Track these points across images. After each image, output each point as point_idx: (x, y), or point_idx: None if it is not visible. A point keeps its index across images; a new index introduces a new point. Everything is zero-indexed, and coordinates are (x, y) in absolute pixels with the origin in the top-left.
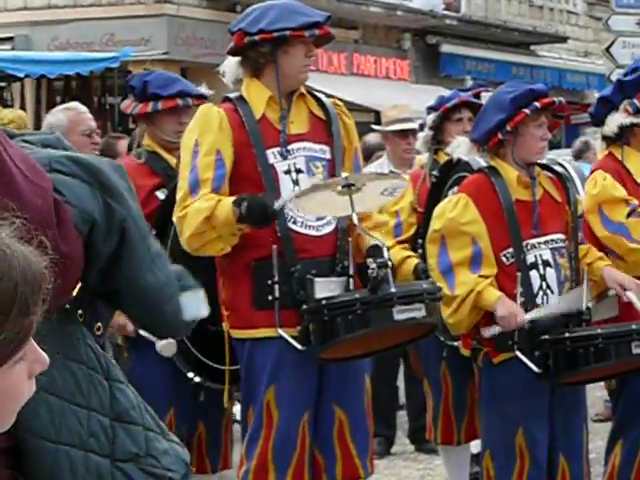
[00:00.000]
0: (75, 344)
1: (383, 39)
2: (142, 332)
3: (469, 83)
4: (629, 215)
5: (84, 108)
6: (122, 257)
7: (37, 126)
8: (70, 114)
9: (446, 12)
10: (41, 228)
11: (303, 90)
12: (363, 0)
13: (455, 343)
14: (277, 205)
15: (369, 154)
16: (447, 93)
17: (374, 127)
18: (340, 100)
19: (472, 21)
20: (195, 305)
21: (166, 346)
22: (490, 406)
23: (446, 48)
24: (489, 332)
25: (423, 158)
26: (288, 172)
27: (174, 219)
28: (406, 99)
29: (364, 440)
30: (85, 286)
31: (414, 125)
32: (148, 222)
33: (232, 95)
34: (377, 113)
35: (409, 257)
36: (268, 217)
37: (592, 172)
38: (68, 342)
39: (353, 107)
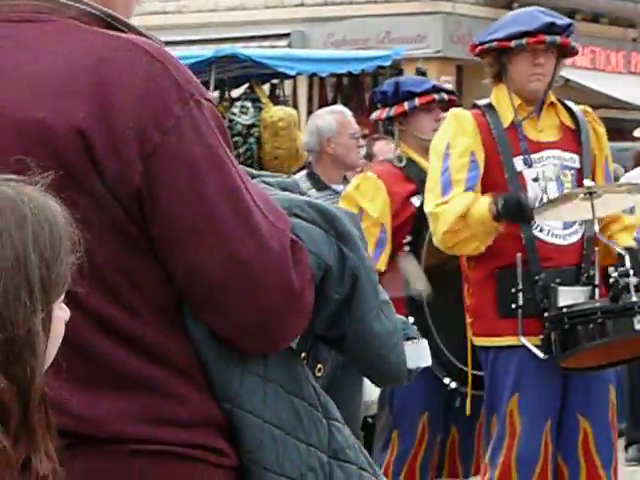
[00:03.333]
0: (299, 381)
1: None
2: None
3: None
4: None
5: (349, 112)
6: (352, 304)
7: None
8: (338, 117)
9: None
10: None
11: (553, 99)
12: None
13: None
14: (532, 201)
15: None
16: None
17: (636, 133)
18: (616, 99)
19: None
20: (417, 354)
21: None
22: None
23: None
24: None
25: None
26: (536, 180)
27: (427, 215)
28: None
29: (609, 451)
30: (310, 330)
31: None
32: (403, 229)
33: (480, 102)
34: None
35: None
36: (525, 213)
37: None
38: (293, 379)
39: (630, 106)
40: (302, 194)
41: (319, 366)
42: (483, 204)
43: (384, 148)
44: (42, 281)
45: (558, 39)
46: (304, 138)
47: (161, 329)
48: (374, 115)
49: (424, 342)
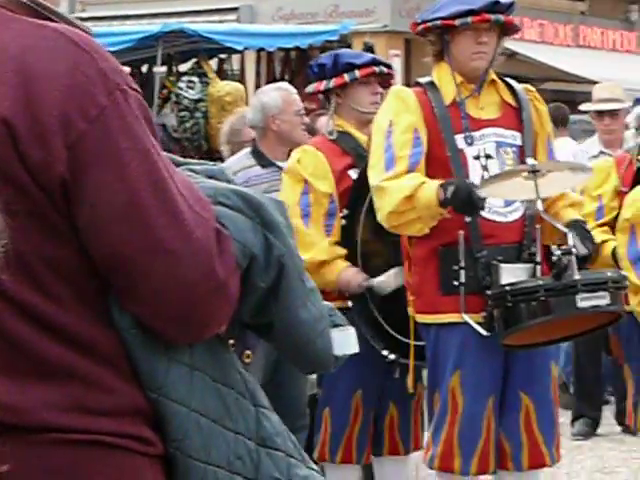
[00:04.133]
0: (226, 369)
1: (610, 10)
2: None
3: None
4: None
5: (294, 89)
6: (279, 292)
7: None
8: (284, 94)
9: None
10: (199, 259)
11: (494, 76)
12: None
13: None
14: (482, 192)
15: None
16: None
17: (581, 107)
18: (565, 72)
19: None
20: (345, 341)
21: (389, 278)
22: None
23: None
24: None
25: (628, 137)
26: (477, 157)
27: (372, 190)
28: (632, 71)
29: (551, 427)
30: (238, 318)
31: (612, 106)
32: (340, 202)
33: (422, 80)
34: None
35: (608, 240)
36: (474, 204)
37: None
38: (220, 367)
39: (578, 79)
40: (228, 182)
41: (247, 352)
42: (431, 188)
43: (324, 122)
44: None
45: (502, 18)
46: (248, 115)
47: (86, 318)
48: (310, 88)
49: (351, 329)
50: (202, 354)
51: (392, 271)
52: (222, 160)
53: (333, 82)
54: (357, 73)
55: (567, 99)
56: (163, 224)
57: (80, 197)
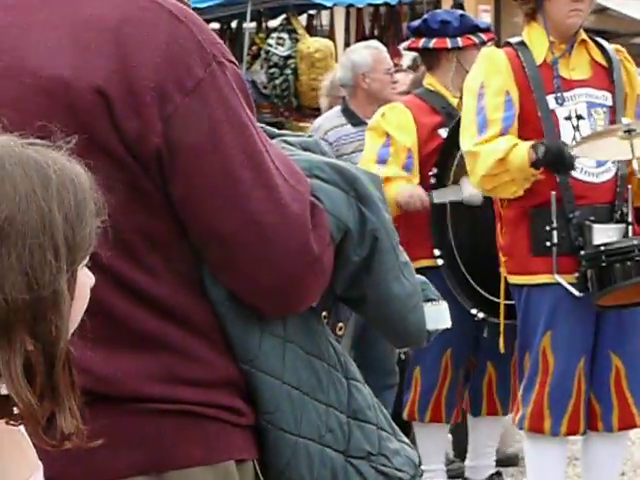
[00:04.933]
0: (319, 342)
1: None
2: None
3: None
4: None
5: (384, 47)
6: (372, 265)
7: None
8: (374, 52)
9: None
10: (294, 233)
11: (585, 36)
12: None
13: None
14: (575, 152)
15: None
16: None
17: None
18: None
19: None
20: (437, 316)
21: (472, 191)
22: None
23: None
24: None
25: None
26: (569, 118)
27: (464, 154)
28: None
29: None
30: (331, 290)
31: None
32: (429, 161)
33: (513, 40)
34: None
35: None
36: (565, 162)
37: None
38: (312, 340)
39: None
40: (323, 154)
41: (340, 324)
42: (522, 150)
43: (403, 80)
44: (67, 242)
45: None
46: (338, 73)
47: (180, 290)
48: (431, 43)
49: (444, 303)
50: (295, 326)
51: (464, 183)
52: (313, 117)
53: (462, 41)
54: (460, 42)
55: None
56: (258, 197)
57: (176, 169)
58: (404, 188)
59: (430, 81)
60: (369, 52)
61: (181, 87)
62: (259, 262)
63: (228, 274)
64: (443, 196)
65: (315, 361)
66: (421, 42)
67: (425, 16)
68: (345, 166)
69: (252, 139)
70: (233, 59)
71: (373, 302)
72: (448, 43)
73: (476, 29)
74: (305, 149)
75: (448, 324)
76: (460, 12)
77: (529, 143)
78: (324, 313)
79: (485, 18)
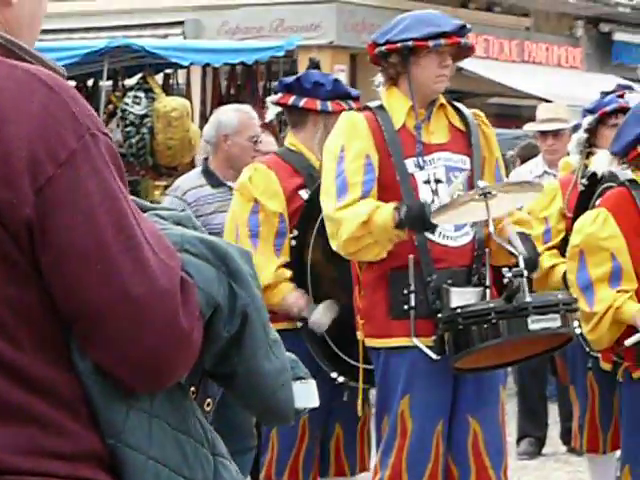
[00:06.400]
0: (186, 418)
1: (555, 26)
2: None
3: None
4: None
5: (255, 114)
6: (241, 342)
7: (203, 112)
8: (241, 116)
9: (620, 0)
10: (164, 308)
11: (443, 101)
12: None
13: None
14: (434, 221)
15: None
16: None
17: (525, 127)
18: (510, 88)
19: None
20: (306, 394)
21: (321, 318)
22: (630, 422)
23: (619, 36)
24: (630, 340)
25: (573, 162)
26: (428, 182)
27: (325, 218)
28: (577, 87)
29: (498, 451)
30: (200, 365)
31: (556, 126)
32: (290, 222)
33: (372, 104)
34: (547, 102)
35: (557, 264)
36: (428, 220)
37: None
38: (180, 415)
39: (523, 95)
40: (195, 228)
41: (208, 400)
42: (386, 211)
43: (265, 139)
44: None
45: (470, 42)
46: (205, 128)
47: (46, 362)
48: (276, 98)
49: (313, 382)
50: (162, 402)
51: (321, 307)
52: (169, 175)
53: (331, 105)
54: (329, 106)
55: (513, 114)
56: (128, 271)
57: (46, 240)
58: (286, 299)
59: (292, 141)
60: (237, 115)
61: (54, 158)
62: (127, 336)
63: (96, 347)
64: (318, 327)
65: (182, 437)
66: (291, 99)
67: (299, 74)
68: (216, 241)
69: (124, 212)
70: (107, 131)
71: (243, 378)
72: (318, 105)
73: (347, 96)
74: (177, 223)
75: (316, 403)
76: (334, 77)
77: (392, 204)
78: (192, 388)
79: (341, 77)
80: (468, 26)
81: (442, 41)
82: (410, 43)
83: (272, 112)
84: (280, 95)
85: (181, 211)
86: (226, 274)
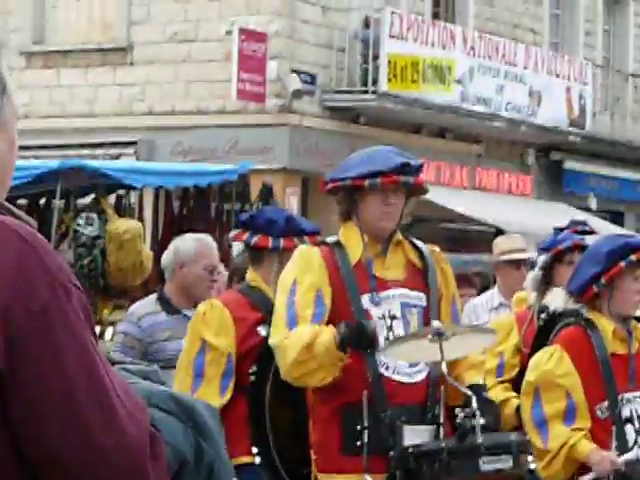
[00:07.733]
0: None
1: (506, 154)
2: None
3: (593, 201)
4: None
5: (214, 244)
6: None
7: (155, 234)
8: (199, 246)
9: (571, 129)
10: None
11: (400, 237)
12: (487, 115)
13: None
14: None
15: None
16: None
17: (485, 258)
18: (461, 215)
19: (597, 139)
20: None
21: None
22: None
23: (570, 165)
24: (585, 478)
25: (530, 298)
26: (383, 318)
27: (273, 349)
28: (528, 215)
29: None
30: None
31: (527, 255)
32: (248, 358)
33: (329, 239)
34: (497, 229)
35: (510, 399)
36: (368, 336)
37: None
38: None
39: (473, 222)
40: (162, 383)
41: None
42: (327, 334)
43: (223, 271)
44: None
45: (411, 180)
46: (163, 254)
47: None
48: (234, 235)
49: None
50: None
51: None
52: (120, 297)
53: (283, 242)
54: (308, 240)
55: (462, 238)
56: (97, 422)
57: (16, 390)
58: None
59: (253, 277)
60: (195, 244)
61: (26, 309)
62: None
63: None
64: None
65: None
66: (245, 236)
67: (253, 212)
68: (183, 397)
69: (94, 365)
70: (78, 283)
71: None
72: (270, 243)
73: (302, 232)
74: (145, 378)
75: None
76: (288, 213)
77: (332, 328)
78: None
79: (292, 200)
80: (415, 163)
81: (378, 180)
82: (348, 182)
83: (236, 248)
84: (237, 231)
85: (147, 365)
86: (193, 430)
